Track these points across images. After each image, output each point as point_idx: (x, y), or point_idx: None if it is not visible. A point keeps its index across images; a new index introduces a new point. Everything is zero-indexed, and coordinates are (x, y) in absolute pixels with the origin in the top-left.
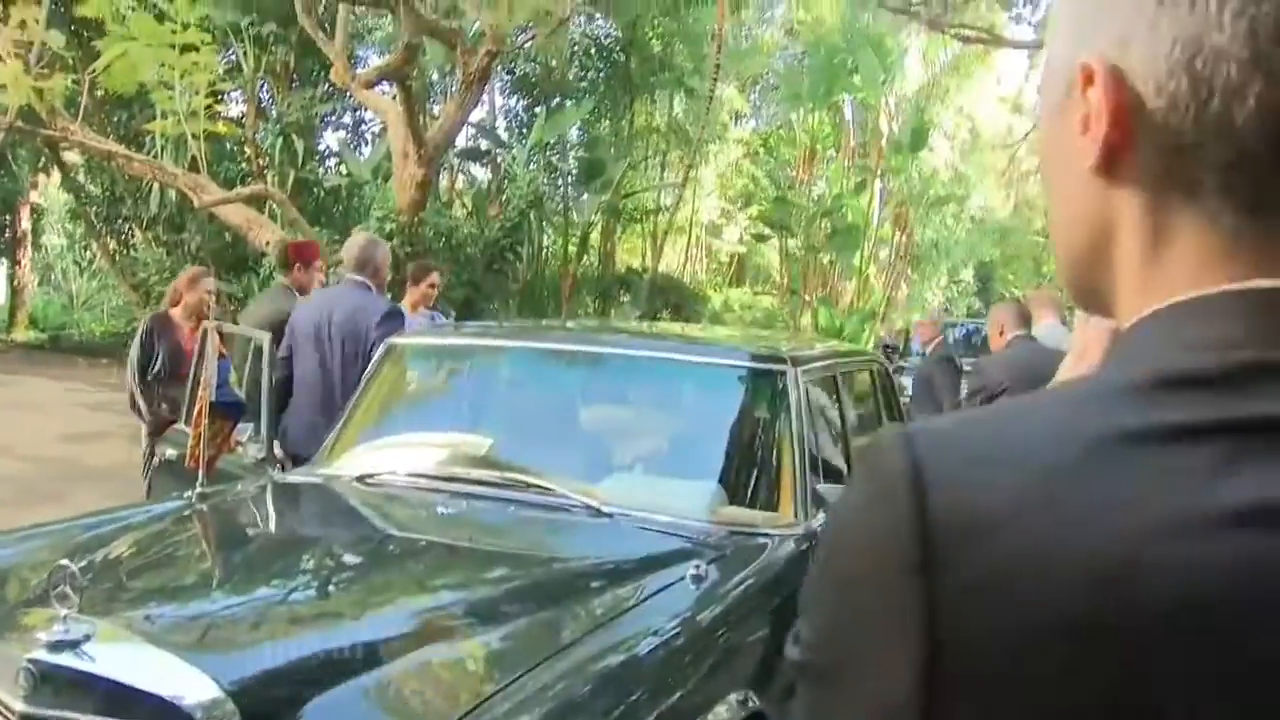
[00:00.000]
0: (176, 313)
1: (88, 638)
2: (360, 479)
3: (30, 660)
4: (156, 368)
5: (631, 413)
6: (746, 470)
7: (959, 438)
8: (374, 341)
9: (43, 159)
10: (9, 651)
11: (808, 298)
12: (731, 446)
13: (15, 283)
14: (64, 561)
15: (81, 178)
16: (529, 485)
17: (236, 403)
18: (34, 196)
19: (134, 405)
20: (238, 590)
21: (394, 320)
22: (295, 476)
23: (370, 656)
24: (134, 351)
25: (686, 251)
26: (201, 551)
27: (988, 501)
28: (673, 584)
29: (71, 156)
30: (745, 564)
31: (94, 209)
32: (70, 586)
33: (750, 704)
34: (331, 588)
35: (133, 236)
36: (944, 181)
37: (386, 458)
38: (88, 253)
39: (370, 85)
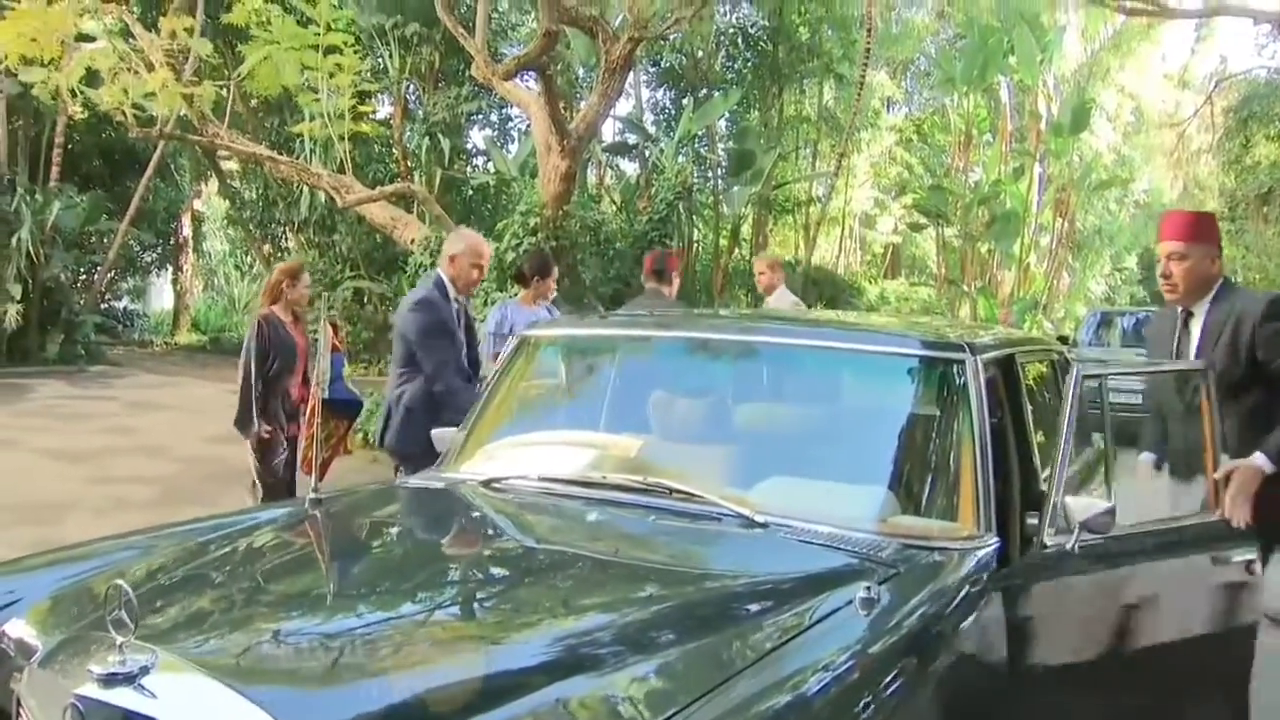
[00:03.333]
0: (278, 309)
1: (145, 671)
2: (488, 484)
3: (77, 696)
4: (275, 366)
5: (788, 409)
6: (920, 473)
7: None
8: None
9: (202, 167)
10: (57, 684)
11: (966, 288)
12: (902, 446)
13: (179, 287)
14: (118, 582)
15: (237, 184)
16: (673, 491)
17: (352, 400)
18: (196, 204)
19: (245, 414)
20: (342, 613)
21: (418, 310)
22: (418, 480)
23: (500, 692)
24: (249, 353)
25: (840, 243)
26: (305, 566)
27: None
28: (840, 608)
29: (229, 164)
30: (922, 585)
31: (249, 214)
32: (126, 610)
33: None
34: (455, 610)
35: (285, 239)
36: (1107, 165)
37: (517, 460)
38: (246, 257)
39: (510, 76)
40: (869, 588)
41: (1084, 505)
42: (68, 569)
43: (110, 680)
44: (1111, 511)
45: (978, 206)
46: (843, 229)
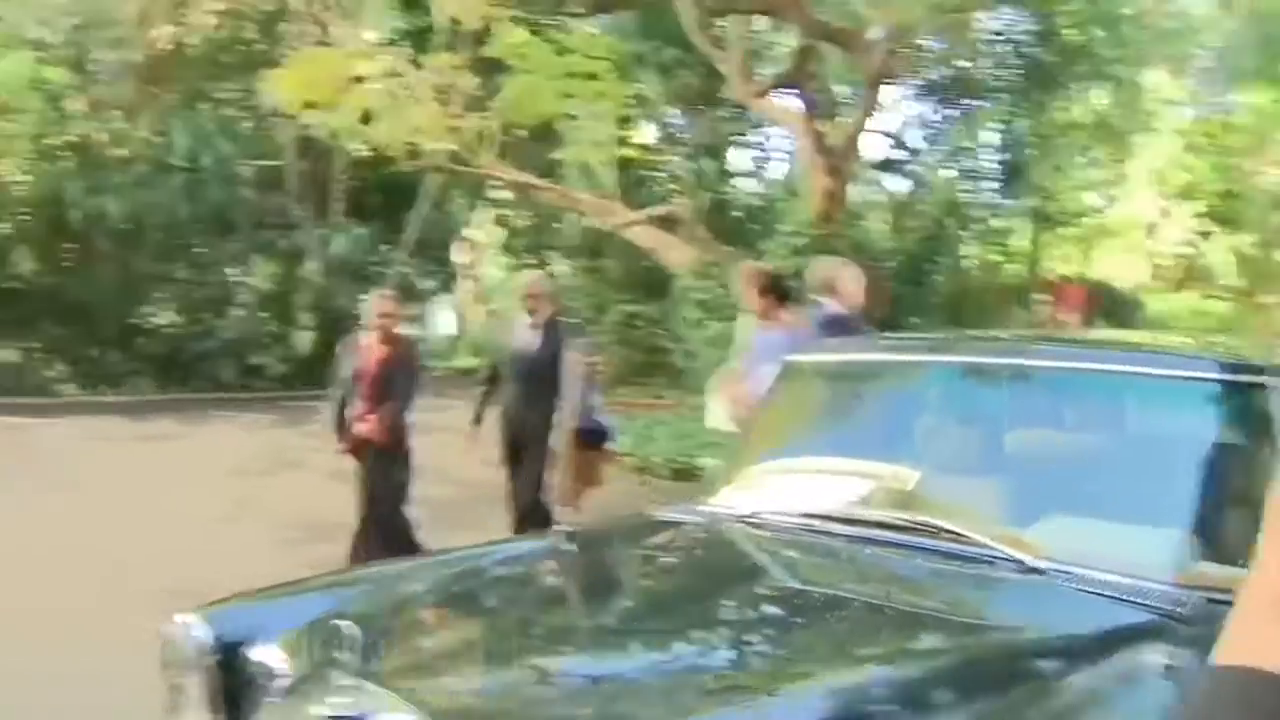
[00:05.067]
0: (372, 334)
1: (372, 717)
2: (747, 518)
3: None
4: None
5: (1068, 439)
6: (1222, 515)
7: None
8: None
9: (475, 197)
10: None
11: (1265, 301)
12: (1200, 483)
13: (456, 313)
14: (342, 621)
15: (508, 212)
16: (943, 531)
17: (604, 430)
18: (470, 233)
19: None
20: (597, 658)
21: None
22: (673, 513)
23: None
24: (341, 380)
25: (1121, 255)
26: (555, 605)
27: None
28: (1140, 678)
29: (500, 193)
30: None
31: (520, 240)
32: (351, 650)
33: None
34: (721, 655)
35: (556, 264)
36: None
37: (778, 492)
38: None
39: (766, 94)
40: (1171, 653)
41: None
42: (322, 598)
43: None
44: None
45: (1276, 211)
46: (1123, 240)
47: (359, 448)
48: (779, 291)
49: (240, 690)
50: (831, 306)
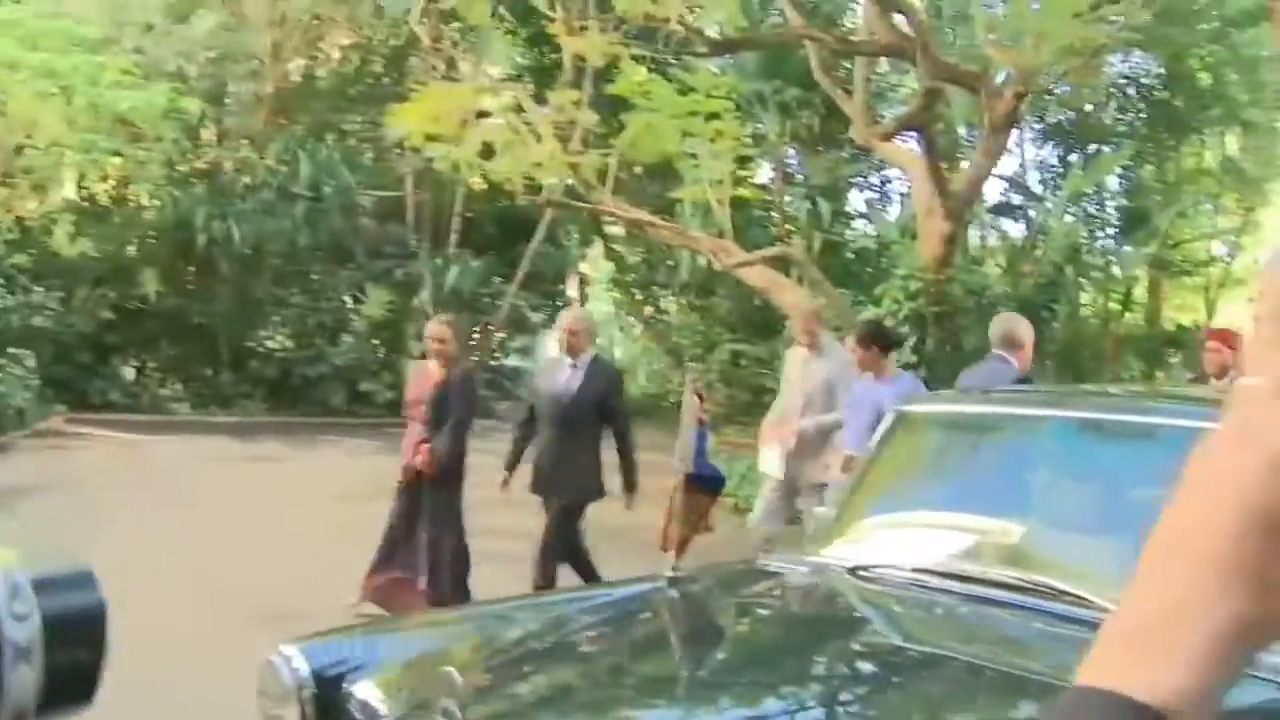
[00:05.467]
0: (430, 360)
1: None
2: (855, 570)
3: None
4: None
5: None
6: None
7: None
8: None
9: (589, 232)
10: None
11: None
12: None
13: None
14: (447, 669)
15: (621, 248)
16: (1059, 593)
17: (716, 476)
18: (582, 267)
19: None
20: (682, 707)
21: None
22: (780, 563)
23: None
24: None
25: (1246, 305)
26: (656, 653)
27: None
28: None
29: (614, 229)
30: None
31: (631, 277)
32: (456, 702)
33: None
34: (817, 712)
35: (666, 301)
36: None
37: (888, 545)
38: (630, 318)
39: (889, 137)
40: None
41: None
42: (422, 636)
43: None
44: None
45: None
46: (1251, 290)
47: (412, 478)
48: (883, 341)
49: None
50: (1013, 363)
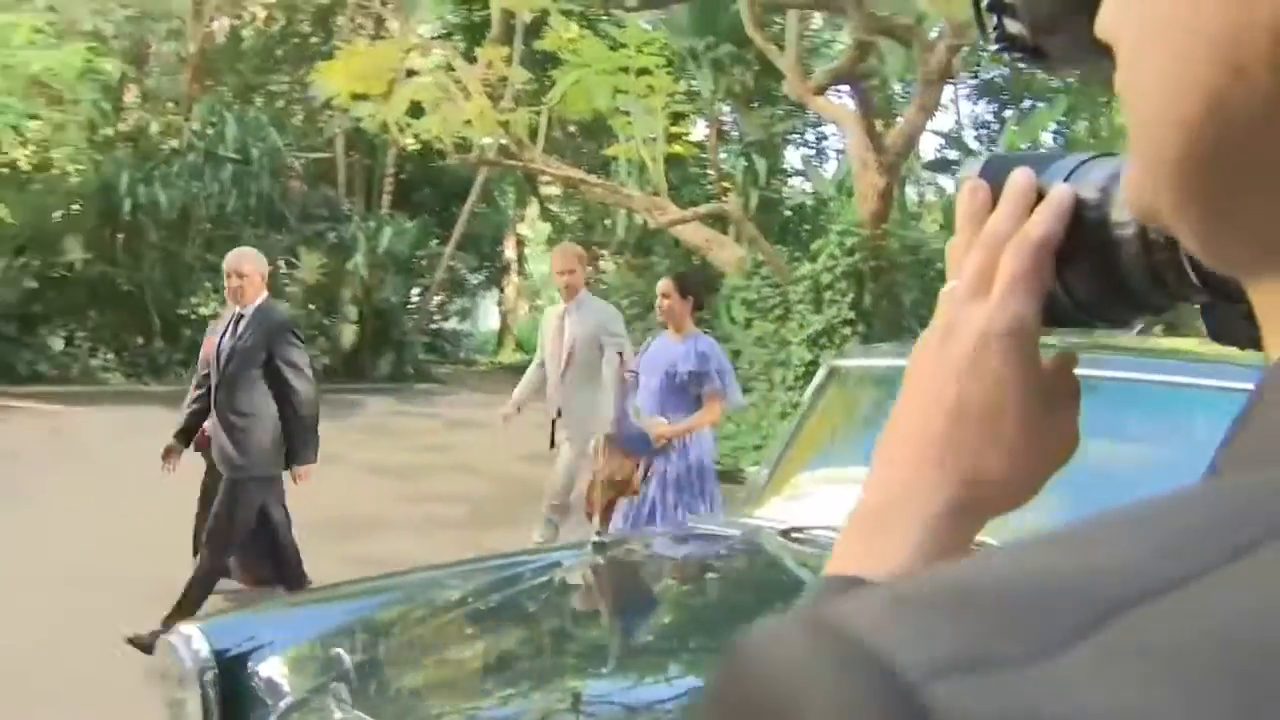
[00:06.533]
0: None
1: None
2: (787, 533)
3: None
4: None
5: (1114, 446)
6: None
7: None
8: None
9: (524, 192)
10: None
11: None
12: None
13: (503, 309)
14: (338, 650)
15: (557, 208)
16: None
17: (641, 437)
18: (519, 228)
19: None
20: (612, 678)
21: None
22: (712, 526)
23: None
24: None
25: None
26: (578, 621)
27: None
28: None
29: (550, 189)
30: None
31: (568, 236)
32: (345, 682)
33: None
34: None
35: (604, 261)
36: None
37: (821, 505)
38: None
39: (822, 91)
40: None
41: None
42: (332, 609)
43: None
44: None
45: None
46: None
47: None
48: (698, 293)
49: (241, 707)
50: None
